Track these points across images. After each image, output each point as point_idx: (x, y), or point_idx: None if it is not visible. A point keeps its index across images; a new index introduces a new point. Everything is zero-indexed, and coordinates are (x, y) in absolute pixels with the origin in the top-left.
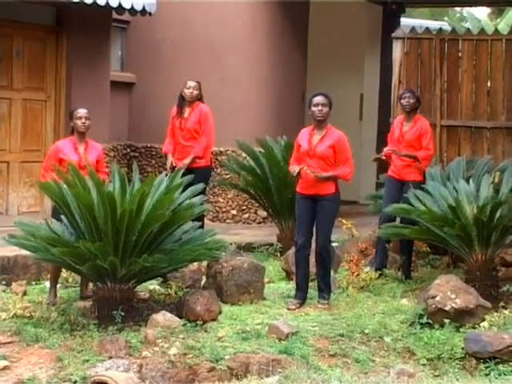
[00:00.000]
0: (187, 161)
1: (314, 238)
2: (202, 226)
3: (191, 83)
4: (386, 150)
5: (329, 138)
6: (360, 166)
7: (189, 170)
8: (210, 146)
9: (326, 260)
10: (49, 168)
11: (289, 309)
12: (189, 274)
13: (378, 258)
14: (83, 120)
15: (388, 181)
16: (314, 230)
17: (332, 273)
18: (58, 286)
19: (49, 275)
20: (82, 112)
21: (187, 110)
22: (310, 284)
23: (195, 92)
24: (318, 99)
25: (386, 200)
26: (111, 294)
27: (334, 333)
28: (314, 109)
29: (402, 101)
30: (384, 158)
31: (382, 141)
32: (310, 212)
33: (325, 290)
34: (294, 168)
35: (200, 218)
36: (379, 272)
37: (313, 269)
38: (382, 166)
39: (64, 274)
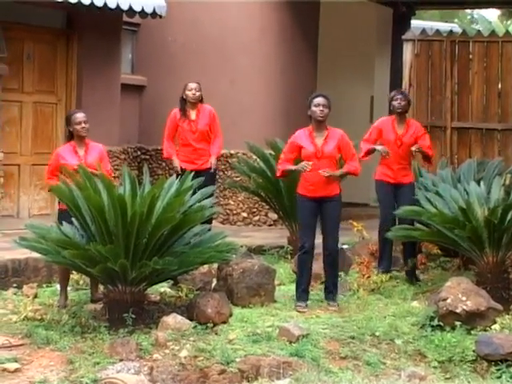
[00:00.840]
0: (214, 161)
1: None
2: (209, 229)
3: (192, 85)
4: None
5: (332, 138)
6: (370, 168)
7: (197, 173)
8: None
9: (337, 261)
10: (51, 174)
11: (301, 312)
12: (199, 277)
13: (388, 261)
14: (83, 125)
15: (382, 185)
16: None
17: (343, 275)
18: (69, 288)
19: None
20: (80, 117)
21: (192, 113)
22: (321, 286)
23: (198, 93)
24: (319, 100)
25: (384, 206)
26: (122, 297)
27: (344, 335)
28: (315, 109)
29: (393, 102)
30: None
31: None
32: (315, 214)
33: (334, 291)
34: (305, 165)
35: (209, 220)
36: (389, 275)
37: (321, 271)
38: None
39: (75, 276)
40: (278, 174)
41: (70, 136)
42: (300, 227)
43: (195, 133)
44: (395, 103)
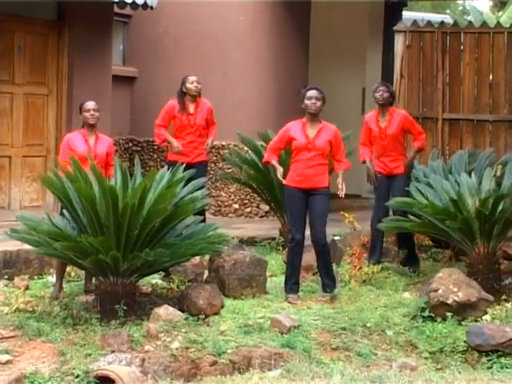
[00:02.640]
0: (210, 142)
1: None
2: (203, 220)
3: (193, 77)
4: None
5: (325, 132)
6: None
7: (189, 165)
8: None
9: (327, 253)
10: (66, 158)
11: (293, 303)
12: (191, 268)
13: (378, 252)
14: (92, 112)
15: (377, 176)
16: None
17: (334, 266)
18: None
19: (51, 269)
20: (90, 104)
21: (191, 106)
22: (313, 278)
23: (199, 86)
24: (312, 93)
25: (378, 196)
26: (113, 289)
27: (336, 326)
28: (307, 102)
29: (375, 94)
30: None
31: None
32: (304, 206)
33: (329, 283)
34: (280, 178)
35: (202, 211)
36: (381, 266)
37: (315, 262)
38: None
39: (67, 268)
40: (263, 161)
41: (83, 125)
42: (289, 219)
43: (193, 127)
44: (377, 95)
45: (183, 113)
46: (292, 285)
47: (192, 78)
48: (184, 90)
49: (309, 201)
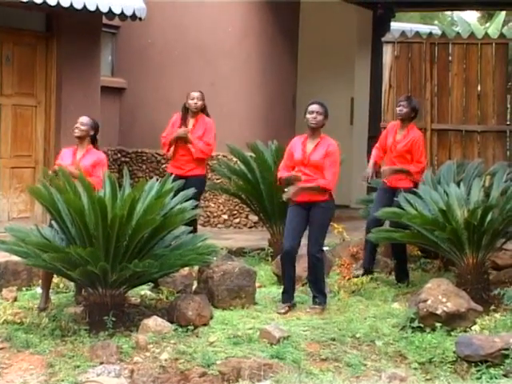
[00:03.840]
0: (189, 135)
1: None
2: (195, 231)
3: (194, 94)
4: (383, 169)
5: (322, 146)
6: (351, 170)
7: (182, 179)
8: (208, 154)
9: (317, 267)
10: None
11: (279, 313)
12: (180, 279)
13: (367, 259)
14: (77, 125)
15: (380, 187)
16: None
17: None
18: (50, 291)
19: (40, 281)
20: (80, 118)
21: (191, 121)
22: (302, 288)
23: (199, 102)
24: (314, 107)
25: (375, 205)
26: (102, 300)
27: (325, 337)
28: (308, 116)
29: (396, 107)
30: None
31: (372, 145)
32: (301, 219)
33: (317, 295)
34: (296, 174)
35: (193, 222)
36: (369, 274)
37: (304, 273)
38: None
39: (55, 279)
40: (277, 183)
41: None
42: (286, 230)
43: (187, 142)
44: (397, 109)
45: (181, 127)
46: (283, 294)
47: (193, 95)
48: (187, 105)
49: (309, 214)
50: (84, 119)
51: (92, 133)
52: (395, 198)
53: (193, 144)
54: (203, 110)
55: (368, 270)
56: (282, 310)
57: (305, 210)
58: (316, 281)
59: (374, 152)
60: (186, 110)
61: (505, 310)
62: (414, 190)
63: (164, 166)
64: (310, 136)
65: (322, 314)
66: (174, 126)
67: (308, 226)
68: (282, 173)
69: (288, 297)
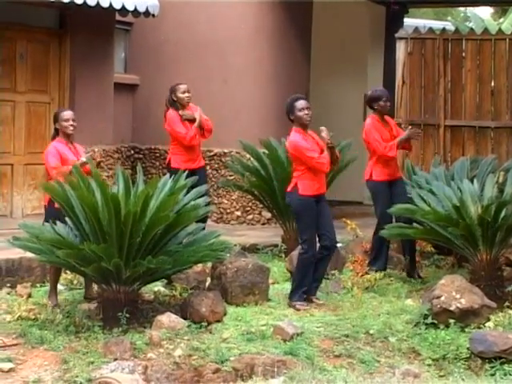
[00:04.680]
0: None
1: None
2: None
3: (184, 86)
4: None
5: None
6: (364, 167)
7: (191, 172)
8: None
9: (329, 258)
10: (59, 164)
11: (298, 310)
12: (193, 276)
13: (383, 260)
14: (71, 122)
15: (380, 184)
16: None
17: (337, 273)
18: (63, 288)
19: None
20: (68, 114)
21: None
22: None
23: (190, 94)
24: (303, 103)
25: (381, 204)
26: (116, 296)
27: (338, 333)
28: (300, 114)
29: (385, 103)
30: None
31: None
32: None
33: (319, 286)
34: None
35: (204, 218)
36: (383, 273)
37: None
38: None
39: (69, 276)
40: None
41: (56, 134)
42: (307, 230)
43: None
44: (386, 104)
45: (184, 121)
46: (302, 294)
47: (183, 87)
48: (174, 99)
49: (318, 207)
50: (73, 115)
51: None
52: (408, 195)
53: (205, 120)
54: None
55: (384, 269)
56: (302, 308)
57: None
58: (324, 272)
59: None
60: (176, 105)
61: None
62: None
63: None
64: (306, 130)
65: (335, 310)
66: (178, 121)
67: (319, 219)
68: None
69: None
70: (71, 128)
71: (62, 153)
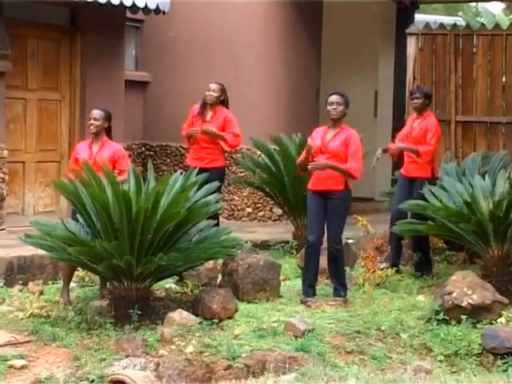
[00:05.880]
0: (212, 128)
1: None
2: (217, 224)
3: (212, 85)
4: (390, 146)
5: (341, 135)
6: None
7: (203, 170)
8: (238, 145)
9: (337, 259)
10: (69, 167)
11: (309, 306)
12: (204, 273)
13: (394, 255)
14: (91, 121)
15: (399, 178)
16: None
17: (348, 270)
18: (75, 285)
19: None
20: (91, 113)
21: (209, 114)
22: (327, 281)
23: (214, 94)
24: (333, 98)
25: (396, 198)
26: (127, 293)
27: (350, 330)
28: (328, 108)
29: (412, 101)
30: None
31: (396, 137)
32: (321, 209)
33: (338, 287)
34: (309, 144)
35: (215, 216)
36: (395, 268)
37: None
38: (398, 162)
39: (80, 273)
40: (298, 173)
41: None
42: (307, 222)
43: (203, 133)
44: (413, 102)
45: (199, 119)
46: (307, 288)
47: (211, 86)
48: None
49: (327, 204)
50: (96, 113)
51: (106, 125)
52: (419, 191)
53: (223, 139)
54: (222, 102)
55: (395, 265)
56: (314, 305)
57: (322, 199)
58: (337, 273)
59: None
60: (205, 101)
61: None
62: (433, 181)
63: None
64: (332, 126)
65: (344, 307)
66: (193, 115)
67: (326, 217)
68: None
69: (314, 291)
70: (91, 127)
71: (77, 151)
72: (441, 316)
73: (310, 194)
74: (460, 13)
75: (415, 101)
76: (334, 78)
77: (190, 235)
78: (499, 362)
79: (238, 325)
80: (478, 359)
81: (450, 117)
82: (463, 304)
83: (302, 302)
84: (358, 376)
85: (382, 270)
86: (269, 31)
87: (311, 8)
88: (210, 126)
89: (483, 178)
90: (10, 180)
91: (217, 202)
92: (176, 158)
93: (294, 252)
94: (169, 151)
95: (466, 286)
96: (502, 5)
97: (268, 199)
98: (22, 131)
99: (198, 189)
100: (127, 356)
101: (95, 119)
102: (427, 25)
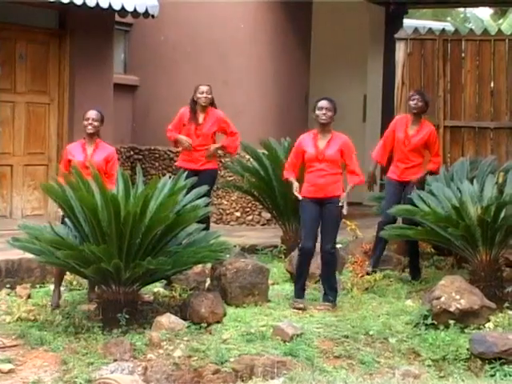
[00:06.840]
0: (213, 148)
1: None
2: (207, 228)
3: (204, 88)
4: (411, 180)
5: (335, 141)
6: (363, 167)
7: (196, 172)
8: (238, 144)
9: (331, 263)
10: (61, 170)
11: (297, 308)
12: (193, 277)
13: (375, 258)
14: (90, 121)
15: (388, 183)
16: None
17: (336, 274)
18: (63, 289)
19: (53, 278)
20: (89, 114)
21: (201, 116)
22: (315, 286)
23: (209, 96)
24: (322, 103)
25: (387, 202)
26: (115, 297)
27: (338, 334)
28: (318, 112)
29: (410, 102)
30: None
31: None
32: (317, 216)
33: (330, 292)
34: (295, 185)
35: (205, 219)
36: (383, 273)
37: (317, 270)
38: (386, 167)
39: (68, 277)
40: (283, 178)
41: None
42: (302, 228)
43: (199, 137)
44: (412, 103)
45: (191, 121)
46: (298, 290)
47: (203, 88)
48: (195, 99)
49: (322, 210)
50: (94, 114)
51: (101, 126)
52: (408, 196)
53: (223, 148)
54: (212, 103)
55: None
56: (301, 305)
57: (319, 206)
58: (329, 277)
59: (376, 153)
60: (195, 104)
61: None
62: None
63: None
64: (321, 132)
65: (333, 311)
66: (182, 120)
67: (321, 222)
68: (288, 174)
69: (303, 293)
70: (89, 127)
71: (70, 153)
72: (429, 321)
73: (306, 202)
74: (448, 18)
75: (415, 102)
76: (322, 83)
77: (178, 239)
78: (487, 367)
79: (227, 329)
80: (466, 364)
81: (438, 121)
82: (451, 309)
83: (295, 307)
84: (346, 381)
85: (368, 274)
86: (258, 35)
87: (300, 12)
88: (211, 147)
89: (471, 182)
90: None
91: (206, 205)
92: (165, 161)
93: (283, 256)
94: (157, 155)
95: (454, 291)
96: (490, 10)
97: (257, 203)
98: (11, 134)
99: (188, 191)
100: (115, 360)
101: (94, 120)
102: (416, 30)
